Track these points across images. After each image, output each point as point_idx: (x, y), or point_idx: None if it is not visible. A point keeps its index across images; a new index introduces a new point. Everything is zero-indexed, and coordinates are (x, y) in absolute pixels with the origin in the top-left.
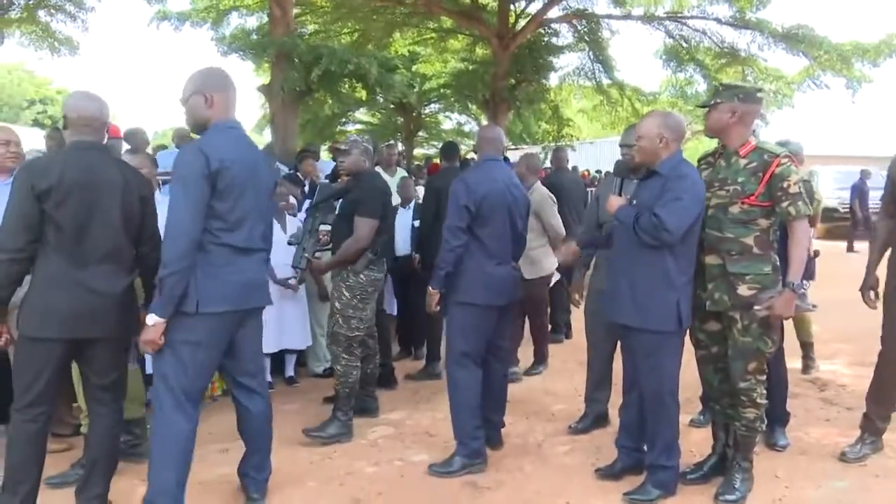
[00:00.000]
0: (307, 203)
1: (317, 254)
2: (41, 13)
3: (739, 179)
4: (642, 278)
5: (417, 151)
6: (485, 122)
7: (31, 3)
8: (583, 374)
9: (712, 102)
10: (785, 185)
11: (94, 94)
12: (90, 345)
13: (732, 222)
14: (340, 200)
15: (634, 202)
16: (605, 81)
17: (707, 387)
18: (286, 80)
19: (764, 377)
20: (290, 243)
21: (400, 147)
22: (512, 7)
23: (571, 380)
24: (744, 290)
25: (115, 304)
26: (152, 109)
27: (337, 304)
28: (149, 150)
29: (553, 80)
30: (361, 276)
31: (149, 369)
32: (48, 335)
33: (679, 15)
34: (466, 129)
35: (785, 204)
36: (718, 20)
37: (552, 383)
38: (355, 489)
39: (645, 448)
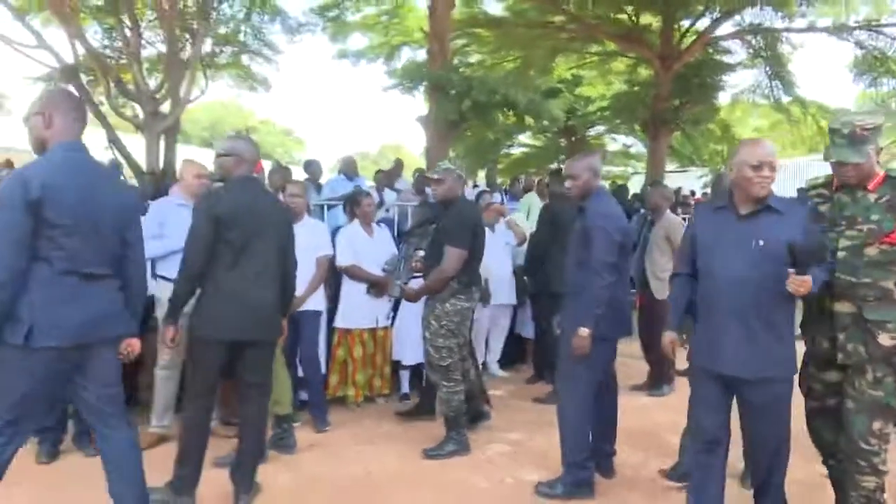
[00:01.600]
0: None
1: (412, 280)
2: (244, 58)
3: (873, 217)
4: (774, 325)
5: None
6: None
7: (236, 50)
8: None
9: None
10: None
11: (250, 139)
12: (247, 346)
13: (868, 265)
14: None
15: (762, 243)
16: (785, 98)
17: (818, 441)
18: (439, 111)
19: (888, 443)
20: (383, 271)
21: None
22: (677, 26)
23: None
24: (885, 340)
25: (268, 312)
26: (333, 138)
27: (427, 333)
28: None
29: (724, 97)
30: (447, 304)
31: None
32: (216, 337)
33: (874, 24)
34: (633, 150)
35: None
36: None
37: (681, 417)
38: (463, 499)
39: None
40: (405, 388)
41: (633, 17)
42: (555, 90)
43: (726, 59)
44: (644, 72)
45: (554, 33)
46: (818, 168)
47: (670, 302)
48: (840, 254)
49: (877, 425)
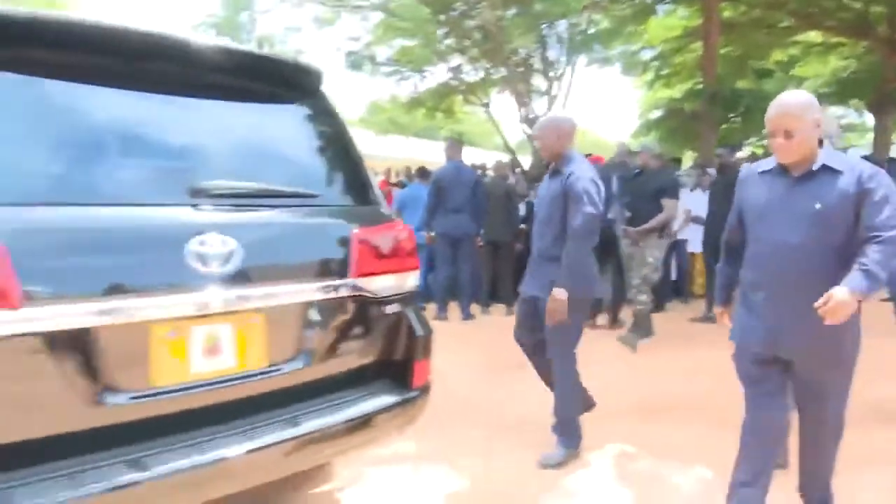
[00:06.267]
0: None
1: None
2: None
3: None
4: None
5: None
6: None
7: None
8: None
9: None
10: None
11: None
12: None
13: None
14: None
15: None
16: None
17: None
18: (715, 115)
19: None
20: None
21: None
22: None
23: None
24: None
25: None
26: None
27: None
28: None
29: None
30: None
31: None
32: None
33: None
34: (843, 121)
35: None
36: None
37: None
38: None
39: None
40: None
41: (864, 7)
42: (768, 71)
43: None
44: (866, 57)
45: (771, 26)
46: None
47: None
48: None
49: None
